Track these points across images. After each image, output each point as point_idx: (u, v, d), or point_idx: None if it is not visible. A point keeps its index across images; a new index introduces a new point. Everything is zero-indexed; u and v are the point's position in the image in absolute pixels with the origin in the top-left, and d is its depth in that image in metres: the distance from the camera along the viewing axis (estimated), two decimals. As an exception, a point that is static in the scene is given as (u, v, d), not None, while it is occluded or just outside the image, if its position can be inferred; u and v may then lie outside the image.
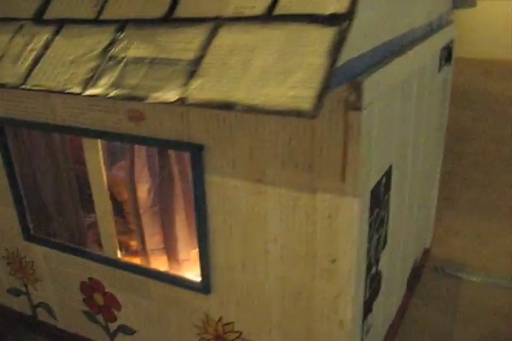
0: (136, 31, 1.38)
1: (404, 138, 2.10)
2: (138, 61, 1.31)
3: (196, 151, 1.73)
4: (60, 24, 1.52)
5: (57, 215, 2.30)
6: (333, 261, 1.66)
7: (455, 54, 2.79)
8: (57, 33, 1.51)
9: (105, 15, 1.47)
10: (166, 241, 2.06)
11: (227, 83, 1.16)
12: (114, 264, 2.19)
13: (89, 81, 1.34)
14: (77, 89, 1.34)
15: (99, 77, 1.34)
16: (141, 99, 1.24)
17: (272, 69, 1.13)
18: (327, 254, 1.66)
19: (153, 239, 2.08)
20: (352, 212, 1.55)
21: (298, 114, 1.06)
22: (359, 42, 1.38)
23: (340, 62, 1.26)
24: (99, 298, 2.36)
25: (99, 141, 1.95)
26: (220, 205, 1.80)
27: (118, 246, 2.16)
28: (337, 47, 1.11)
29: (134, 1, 1.45)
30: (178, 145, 1.77)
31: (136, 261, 2.18)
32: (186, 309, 2.10)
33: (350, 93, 1.40)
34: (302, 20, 1.17)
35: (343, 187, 1.53)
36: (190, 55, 1.24)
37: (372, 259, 1.93)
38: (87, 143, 1.97)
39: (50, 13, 1.57)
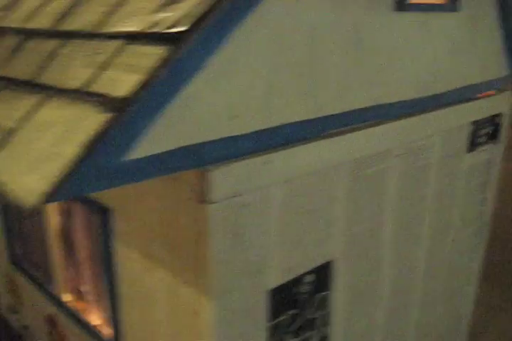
0: (8, 92, 1.36)
1: (372, 230, 1.77)
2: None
3: (102, 213, 1.65)
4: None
5: (35, 250, 2.37)
6: (199, 364, 1.44)
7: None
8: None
9: (5, 72, 1.47)
10: (98, 295, 1.99)
11: (7, 162, 1.07)
12: (60, 307, 2.19)
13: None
14: None
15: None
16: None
17: (42, 154, 1.01)
18: (195, 355, 1.45)
19: (90, 289, 2.03)
20: (210, 312, 1.33)
21: (21, 209, 0.93)
22: (217, 125, 1.19)
23: (175, 145, 1.11)
24: (57, 335, 2.37)
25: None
26: (124, 272, 1.69)
27: (65, 289, 2.15)
28: (101, 136, 0.95)
29: (30, 60, 1.43)
30: (88, 203, 1.70)
31: (83, 307, 2.14)
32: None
33: (198, 183, 1.21)
34: (95, 102, 1.04)
35: (200, 284, 1.33)
36: (10, 125, 1.18)
37: (287, 366, 1.64)
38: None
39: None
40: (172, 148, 1.12)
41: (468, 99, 2.05)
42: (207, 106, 1.15)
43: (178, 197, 1.30)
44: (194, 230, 1.28)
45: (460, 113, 1.99)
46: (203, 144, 1.18)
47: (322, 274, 1.64)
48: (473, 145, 2.19)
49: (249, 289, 1.40)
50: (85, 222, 1.86)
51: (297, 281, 1.56)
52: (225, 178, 1.21)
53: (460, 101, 2.00)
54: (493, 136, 2.30)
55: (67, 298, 2.16)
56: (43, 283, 2.30)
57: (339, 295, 1.74)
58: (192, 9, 1.06)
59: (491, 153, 2.33)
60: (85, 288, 2.04)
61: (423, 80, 1.76)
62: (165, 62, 1.00)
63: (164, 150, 1.11)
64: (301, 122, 1.37)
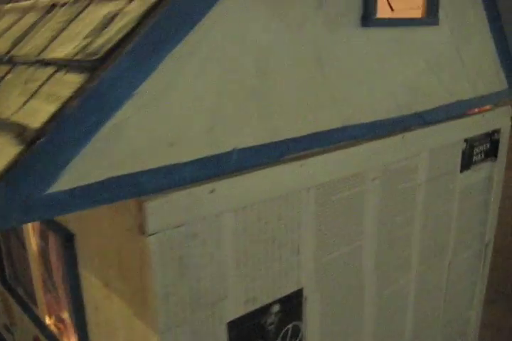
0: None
1: (349, 257, 1.68)
2: None
3: (67, 239, 1.61)
4: None
5: (21, 271, 2.36)
6: None
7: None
8: None
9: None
10: (73, 321, 1.96)
11: None
12: (43, 330, 2.16)
13: None
14: None
15: None
16: None
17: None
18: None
19: (67, 314, 2.00)
20: (158, 350, 1.27)
21: None
22: (155, 153, 1.13)
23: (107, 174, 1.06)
24: (44, 358, 2.35)
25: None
26: (89, 298, 1.65)
27: (46, 312, 2.13)
28: (14, 169, 0.91)
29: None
30: (56, 228, 1.67)
31: (63, 331, 2.11)
32: None
33: (136, 213, 1.16)
34: (14, 133, 1.00)
35: (147, 317, 1.27)
36: None
37: None
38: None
39: None
40: (103, 178, 1.07)
41: (459, 116, 1.94)
42: (141, 134, 1.10)
43: (122, 227, 1.25)
44: (137, 262, 1.23)
45: (448, 131, 1.88)
46: (139, 173, 1.13)
47: (291, 303, 1.56)
48: (467, 163, 2.07)
49: (203, 322, 1.34)
50: (56, 246, 1.83)
51: (261, 312, 1.48)
52: (164, 208, 1.16)
53: (448, 119, 1.89)
54: (491, 153, 2.17)
55: (49, 320, 2.13)
56: (29, 304, 2.29)
57: (314, 324, 1.65)
58: (114, 35, 1.01)
59: (489, 170, 2.20)
60: (63, 312, 2.01)
61: (401, 98, 1.67)
62: (80, 92, 0.95)
63: (94, 180, 1.06)
64: (255, 147, 1.31)
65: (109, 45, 0.99)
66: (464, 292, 2.36)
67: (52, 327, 2.11)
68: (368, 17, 1.43)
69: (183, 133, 1.17)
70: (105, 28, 1.08)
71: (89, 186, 1.06)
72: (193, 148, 1.19)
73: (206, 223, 1.25)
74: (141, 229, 1.15)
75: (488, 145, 2.14)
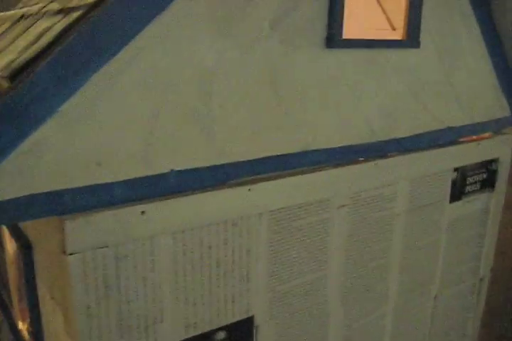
0: None
1: (311, 285, 1.61)
2: None
3: (25, 246, 1.61)
4: None
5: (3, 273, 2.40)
6: None
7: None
8: None
9: None
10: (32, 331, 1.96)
11: None
12: (15, 334, 2.17)
13: None
14: None
15: None
16: None
17: None
18: None
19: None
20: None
21: None
22: (81, 171, 1.11)
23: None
24: (21, 361, 2.36)
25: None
26: (43, 310, 1.64)
27: (20, 317, 2.14)
28: None
29: None
30: (17, 235, 1.67)
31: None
32: None
33: (58, 232, 1.13)
34: None
35: (72, 339, 1.24)
36: None
37: None
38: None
39: None
40: (22, 194, 1.06)
41: (449, 144, 1.83)
42: (65, 152, 1.08)
43: (52, 245, 1.23)
44: (62, 281, 1.20)
45: (432, 159, 1.78)
46: (62, 191, 1.10)
47: (239, 332, 1.49)
48: (458, 194, 1.96)
49: (132, 346, 1.30)
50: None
51: (205, 338, 1.43)
52: (86, 228, 1.13)
53: (436, 146, 1.79)
54: (488, 184, 2.05)
55: (21, 326, 2.14)
56: (8, 306, 2.32)
57: (268, 354, 1.58)
58: (30, 52, 1.00)
59: (485, 202, 2.07)
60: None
61: (376, 123, 1.59)
62: (-14, 109, 0.94)
63: (12, 197, 1.04)
64: (197, 169, 1.26)
65: (22, 63, 0.97)
66: (454, 328, 2.22)
67: (24, 333, 2.12)
68: (332, 38, 1.37)
69: (113, 152, 1.14)
70: (34, 43, 1.07)
71: (7, 202, 1.04)
72: (123, 168, 1.16)
73: (138, 245, 1.22)
74: (62, 248, 1.13)
75: (484, 176, 2.02)
